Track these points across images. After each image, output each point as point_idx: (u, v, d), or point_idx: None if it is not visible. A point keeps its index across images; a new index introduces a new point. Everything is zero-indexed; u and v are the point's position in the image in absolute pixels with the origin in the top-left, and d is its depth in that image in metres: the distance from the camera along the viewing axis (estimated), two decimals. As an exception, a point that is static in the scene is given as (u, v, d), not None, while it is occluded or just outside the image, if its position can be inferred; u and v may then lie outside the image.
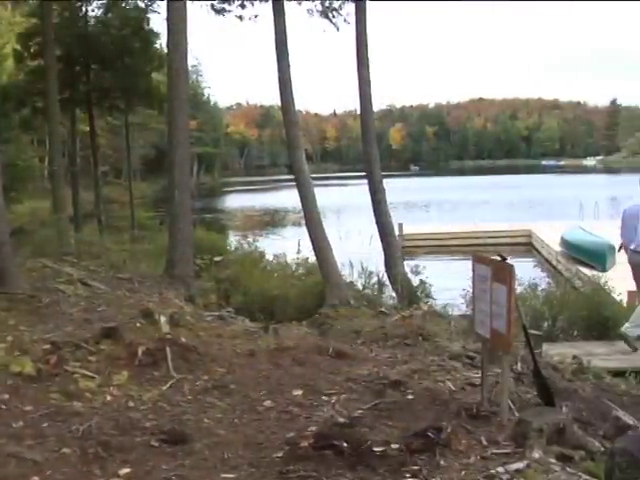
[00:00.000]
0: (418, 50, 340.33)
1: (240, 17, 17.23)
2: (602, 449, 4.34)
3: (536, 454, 4.07)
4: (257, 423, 4.90)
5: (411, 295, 13.13)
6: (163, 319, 7.13)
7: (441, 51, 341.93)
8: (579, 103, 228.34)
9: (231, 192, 78.17)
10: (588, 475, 3.92)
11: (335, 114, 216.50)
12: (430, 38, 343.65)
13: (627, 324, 9.45)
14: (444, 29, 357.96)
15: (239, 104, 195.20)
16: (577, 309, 10.26)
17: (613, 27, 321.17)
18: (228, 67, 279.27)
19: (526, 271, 16.54)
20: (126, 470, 4.11)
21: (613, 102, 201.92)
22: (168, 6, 13.15)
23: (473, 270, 5.09)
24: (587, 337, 10.02)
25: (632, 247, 9.49)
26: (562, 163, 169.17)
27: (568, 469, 3.94)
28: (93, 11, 26.75)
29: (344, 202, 47.48)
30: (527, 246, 25.27)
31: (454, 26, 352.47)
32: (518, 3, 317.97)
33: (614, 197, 52.07)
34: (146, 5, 26.61)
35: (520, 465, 3.93)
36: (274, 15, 14.12)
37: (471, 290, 5.42)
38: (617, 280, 12.63)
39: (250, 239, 19.90)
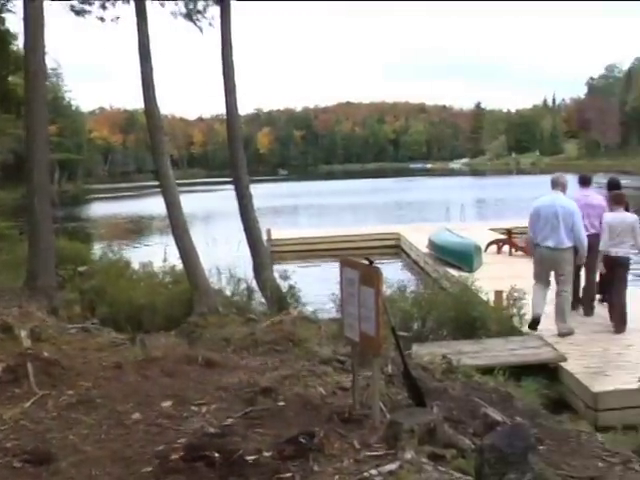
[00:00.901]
0: (284, 53, 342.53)
1: (101, 19, 16.83)
2: (472, 446, 4.44)
3: (408, 455, 4.13)
4: (125, 437, 4.81)
5: (280, 301, 13.16)
6: (23, 333, 6.92)
7: (307, 54, 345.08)
8: (445, 107, 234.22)
9: (95, 200, 76.37)
10: (459, 473, 4.02)
11: (202, 119, 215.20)
12: (296, 41, 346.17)
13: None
14: (310, 32, 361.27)
15: (102, 108, 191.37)
16: (445, 309, 10.54)
17: (477, 34, 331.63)
18: (90, 70, 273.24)
19: (395, 273, 16.91)
20: (-13, 494, 3.97)
21: (477, 106, 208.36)
22: (25, 6, 12.76)
23: (341, 274, 5.16)
24: (456, 336, 10.30)
25: (551, 244, 10.68)
26: (429, 166, 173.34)
27: (440, 468, 4.03)
28: (-58, 11, 25.60)
29: (211, 208, 47.23)
30: (396, 249, 25.68)
31: (320, 29, 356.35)
32: (388, 5, 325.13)
33: (480, 199, 53.85)
34: (1, 4, 25.66)
35: (393, 466, 3.99)
36: (136, 17, 13.90)
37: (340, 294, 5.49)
38: (484, 280, 13.04)
39: (115, 248, 19.53)
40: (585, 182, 12.44)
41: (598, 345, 10.27)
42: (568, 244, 10.66)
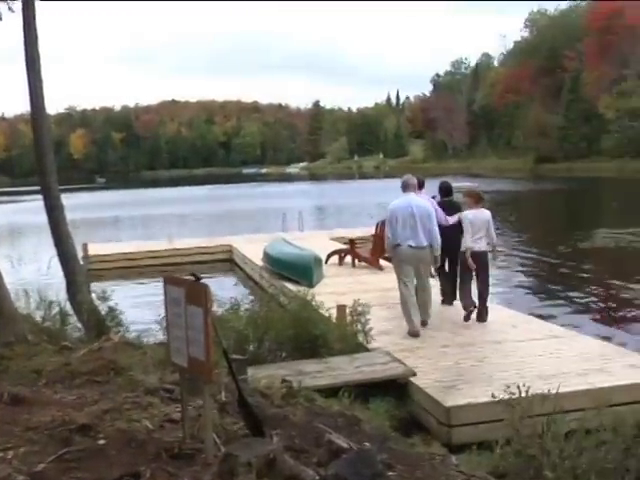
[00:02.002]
0: (98, 45, 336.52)
1: None
2: (317, 477, 4.45)
3: (246, 490, 4.13)
4: None
5: (100, 325, 12.86)
6: None
7: (126, 46, 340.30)
8: (281, 105, 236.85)
9: None
10: (301, 506, 4.05)
11: (4, 118, 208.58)
12: (112, 31, 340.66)
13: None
14: (128, 20, 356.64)
15: None
16: (284, 328, 10.59)
17: (317, 27, 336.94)
18: None
19: (227, 290, 16.91)
20: None
21: (316, 104, 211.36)
22: None
23: (165, 293, 5.11)
24: (297, 357, 10.39)
25: (412, 244, 12.08)
26: (264, 171, 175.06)
27: (281, 502, 4.05)
28: None
29: (17, 222, 45.85)
30: (228, 262, 25.67)
31: (138, 18, 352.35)
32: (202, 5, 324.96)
33: (320, 206, 54.66)
34: None
35: (229, 505, 3.98)
36: None
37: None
38: (325, 295, 13.24)
39: None
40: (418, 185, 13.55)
41: (450, 358, 10.60)
42: (427, 243, 12.13)
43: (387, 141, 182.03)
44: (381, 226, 16.43)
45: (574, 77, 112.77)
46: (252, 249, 23.32)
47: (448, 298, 14.03)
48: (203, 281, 4.80)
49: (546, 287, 20.31)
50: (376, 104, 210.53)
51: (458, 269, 13.37)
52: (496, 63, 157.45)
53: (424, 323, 12.32)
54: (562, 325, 13.14)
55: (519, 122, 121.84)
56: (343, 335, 10.96)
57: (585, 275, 21.71)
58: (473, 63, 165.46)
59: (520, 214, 45.59)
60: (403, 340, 11.57)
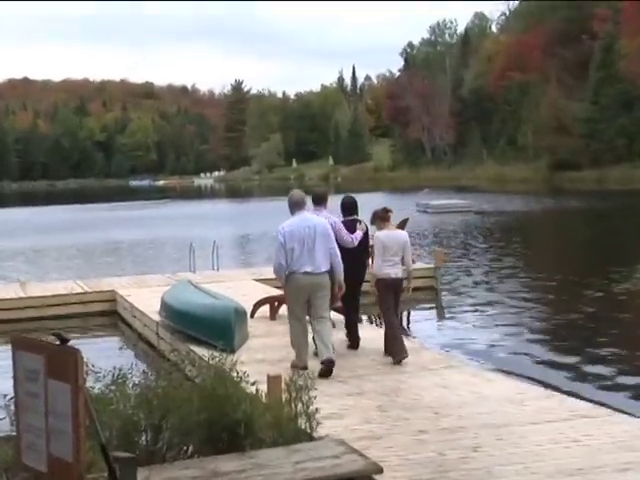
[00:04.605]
0: None
1: None
2: None
3: None
4: None
5: None
6: None
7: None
8: (185, 89, 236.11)
9: None
10: None
11: None
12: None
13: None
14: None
15: None
16: (192, 411, 10.54)
17: None
18: None
19: (109, 356, 16.76)
20: None
21: (237, 88, 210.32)
22: None
23: (14, 362, 5.05)
24: (209, 451, 10.30)
25: (309, 270, 13.98)
26: (162, 183, 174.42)
27: None
28: None
29: None
30: (110, 316, 25.37)
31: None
32: None
33: (243, 235, 54.57)
34: None
35: None
36: None
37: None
38: (251, 364, 13.21)
39: None
40: (320, 201, 15.53)
41: (430, 448, 10.51)
42: (326, 268, 14.14)
43: (339, 140, 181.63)
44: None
45: (607, 46, 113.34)
46: (145, 297, 23.15)
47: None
48: (72, 344, 4.77)
49: (568, 347, 20.35)
50: (323, 87, 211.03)
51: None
52: (494, 28, 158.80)
53: (330, 363, 13.84)
54: (591, 401, 13.20)
55: (527, 112, 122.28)
56: (277, 419, 10.91)
57: (622, 329, 21.86)
58: (461, 28, 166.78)
59: (533, 244, 45.98)
60: (362, 425, 11.53)
